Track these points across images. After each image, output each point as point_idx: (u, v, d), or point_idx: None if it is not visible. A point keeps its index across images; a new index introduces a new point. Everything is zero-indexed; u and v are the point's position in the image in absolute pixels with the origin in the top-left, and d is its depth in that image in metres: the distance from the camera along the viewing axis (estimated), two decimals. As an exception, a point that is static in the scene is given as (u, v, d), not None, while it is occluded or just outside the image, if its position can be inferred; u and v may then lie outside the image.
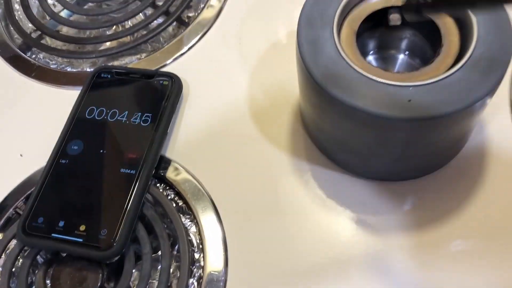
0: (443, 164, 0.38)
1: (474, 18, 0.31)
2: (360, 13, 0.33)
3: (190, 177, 0.40)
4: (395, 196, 0.37)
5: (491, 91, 0.29)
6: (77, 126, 0.41)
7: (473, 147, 0.38)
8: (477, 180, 0.37)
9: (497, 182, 0.37)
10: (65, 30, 0.51)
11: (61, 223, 0.36)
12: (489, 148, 0.39)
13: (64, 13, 0.51)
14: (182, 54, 0.47)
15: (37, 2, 0.52)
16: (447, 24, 0.32)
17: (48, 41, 0.50)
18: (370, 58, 0.39)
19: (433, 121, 0.29)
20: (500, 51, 0.29)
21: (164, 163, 0.40)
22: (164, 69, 0.46)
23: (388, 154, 0.34)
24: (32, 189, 0.39)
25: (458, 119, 0.30)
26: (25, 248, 0.37)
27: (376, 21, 0.34)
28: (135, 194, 0.37)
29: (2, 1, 0.52)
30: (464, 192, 0.37)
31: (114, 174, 0.38)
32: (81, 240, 0.35)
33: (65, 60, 0.49)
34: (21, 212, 0.40)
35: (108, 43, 0.50)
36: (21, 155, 0.43)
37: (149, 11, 0.50)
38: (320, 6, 0.33)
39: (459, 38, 0.32)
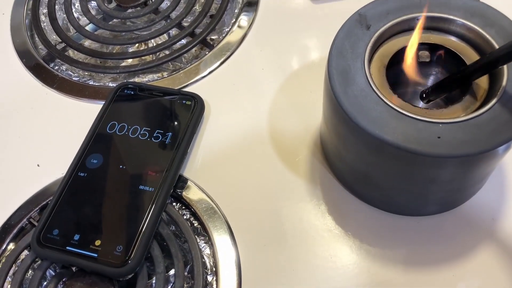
0: (461, 202, 0.38)
1: (504, 61, 0.31)
2: (390, 47, 0.34)
3: (206, 198, 0.40)
4: (413, 231, 0.37)
5: (520, 133, 0.29)
6: (98, 139, 0.41)
7: (491, 188, 0.39)
8: (494, 220, 0.37)
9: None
10: (87, 43, 0.51)
11: (77, 237, 0.36)
12: (507, 190, 0.39)
13: (89, 27, 0.52)
14: (204, 76, 0.47)
15: (63, 14, 0.53)
16: (477, 66, 0.33)
17: (71, 53, 0.51)
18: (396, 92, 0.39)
19: (460, 159, 0.29)
20: (530, 94, 0.30)
21: (182, 182, 0.40)
22: (185, 89, 0.46)
23: (411, 189, 0.34)
24: (48, 200, 0.39)
25: (482, 159, 0.30)
26: (37, 259, 0.37)
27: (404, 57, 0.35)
28: (152, 212, 0.37)
29: (30, 12, 0.53)
30: (478, 232, 0.37)
31: (133, 191, 0.38)
32: (95, 255, 0.35)
33: (87, 73, 0.49)
34: (34, 223, 0.40)
35: (130, 60, 0.50)
36: (38, 165, 0.43)
37: (173, 31, 0.51)
38: (351, 38, 0.33)
39: (488, 78, 0.32)
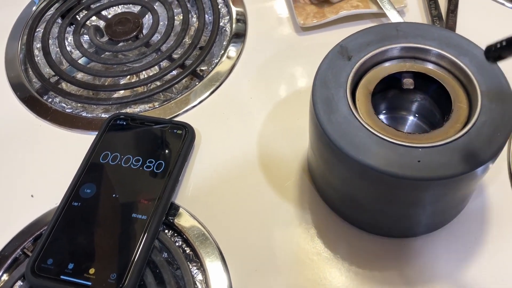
0: (445, 223, 0.39)
1: (478, 87, 0.33)
2: (376, 75, 0.36)
3: (198, 225, 0.40)
4: (398, 252, 0.38)
5: (494, 157, 0.31)
6: (91, 169, 0.42)
7: (474, 207, 0.40)
8: (477, 239, 0.39)
9: (496, 242, 0.38)
10: (80, 76, 0.53)
11: (71, 266, 0.36)
12: (489, 209, 0.40)
13: (82, 61, 0.53)
14: (194, 106, 0.49)
15: (56, 48, 0.55)
16: (457, 92, 0.35)
17: (64, 86, 0.52)
18: (382, 117, 0.41)
19: (440, 181, 0.30)
20: (502, 119, 0.31)
21: (174, 209, 0.41)
22: (176, 119, 0.48)
23: (396, 211, 0.35)
24: (42, 230, 0.40)
25: (462, 181, 0.32)
26: (31, 289, 0.37)
27: (390, 83, 0.37)
28: (145, 239, 0.37)
29: (24, 46, 0.55)
30: (464, 251, 0.38)
31: (126, 219, 0.39)
32: (89, 283, 0.35)
33: (80, 105, 0.50)
34: (28, 253, 0.40)
35: (122, 91, 0.52)
36: (32, 196, 0.44)
37: (164, 63, 0.52)
38: (334, 69, 0.35)
39: (467, 105, 0.34)
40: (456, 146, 0.31)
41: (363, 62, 0.35)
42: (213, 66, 0.52)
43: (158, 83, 0.51)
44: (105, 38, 0.55)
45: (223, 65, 0.51)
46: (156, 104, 0.50)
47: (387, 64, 0.36)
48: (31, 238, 0.41)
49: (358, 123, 0.32)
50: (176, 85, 0.51)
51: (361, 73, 0.36)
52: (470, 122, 0.32)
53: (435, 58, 0.35)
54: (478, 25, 0.52)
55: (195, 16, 0.57)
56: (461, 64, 0.34)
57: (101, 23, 0.57)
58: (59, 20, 0.57)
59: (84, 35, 0.56)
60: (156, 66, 0.52)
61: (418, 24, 0.37)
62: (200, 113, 0.48)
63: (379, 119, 0.33)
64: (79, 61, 0.53)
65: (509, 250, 0.38)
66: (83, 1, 0.59)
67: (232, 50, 0.53)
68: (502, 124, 0.31)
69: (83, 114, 0.49)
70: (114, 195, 0.40)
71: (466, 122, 0.33)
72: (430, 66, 0.36)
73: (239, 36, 0.54)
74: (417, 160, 0.30)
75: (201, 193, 0.43)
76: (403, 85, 0.36)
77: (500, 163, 0.42)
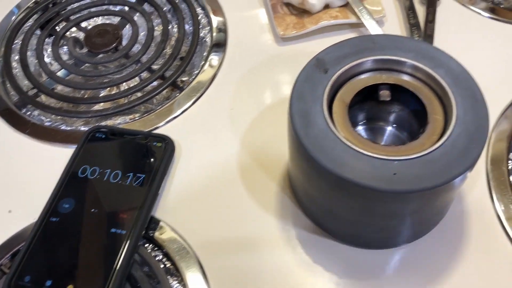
0: (425, 233, 0.39)
1: (453, 99, 0.33)
2: (353, 87, 0.36)
3: (178, 238, 0.40)
4: (377, 263, 0.38)
5: (469, 168, 0.31)
6: (70, 184, 0.41)
7: (453, 216, 0.40)
8: (457, 248, 0.39)
9: (475, 251, 0.39)
10: (59, 88, 0.52)
11: (49, 282, 0.36)
12: (468, 217, 0.40)
13: (61, 73, 0.53)
14: (175, 117, 0.48)
15: (35, 60, 0.54)
16: (432, 103, 0.35)
17: (43, 98, 0.52)
18: (360, 128, 0.41)
19: (416, 194, 0.30)
20: (477, 131, 0.32)
21: (154, 223, 0.41)
22: (157, 131, 0.47)
23: (374, 223, 0.35)
24: (20, 247, 0.39)
25: (439, 192, 0.32)
26: (8, 307, 0.37)
27: (367, 95, 0.37)
28: (124, 254, 0.37)
29: (1, 59, 0.54)
30: (444, 260, 0.38)
31: (105, 234, 0.38)
32: (68, 300, 0.35)
33: (59, 117, 0.50)
34: (5, 270, 0.39)
35: (102, 103, 0.51)
36: (9, 211, 0.43)
37: (145, 74, 0.52)
38: (310, 82, 0.35)
39: (443, 116, 0.34)
40: (431, 158, 0.31)
41: (340, 75, 0.35)
42: (193, 77, 0.51)
43: (139, 94, 0.51)
44: (85, 50, 0.54)
45: (204, 76, 0.51)
46: (137, 115, 0.50)
47: (363, 76, 0.36)
48: (8, 255, 0.40)
49: (334, 136, 0.32)
50: (156, 96, 0.51)
51: (337, 86, 0.36)
52: (446, 134, 0.32)
53: (411, 70, 0.36)
54: (456, 34, 0.52)
55: (175, 26, 0.57)
56: (437, 76, 0.34)
57: (81, 35, 0.56)
58: (38, 32, 0.57)
59: (64, 47, 0.56)
60: (137, 77, 0.52)
61: (394, 36, 0.37)
62: (181, 125, 0.48)
63: (356, 131, 0.34)
64: (58, 73, 0.52)
65: (488, 259, 0.38)
66: (63, 12, 0.58)
67: (212, 60, 0.53)
68: (476, 135, 0.32)
69: (62, 127, 0.49)
70: (93, 210, 0.40)
71: (442, 133, 0.33)
72: (406, 78, 0.36)
73: (220, 46, 0.54)
74: (393, 173, 0.30)
75: (182, 206, 0.43)
76: (380, 97, 0.36)
77: (478, 171, 0.43)
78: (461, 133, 0.32)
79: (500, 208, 0.40)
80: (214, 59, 0.53)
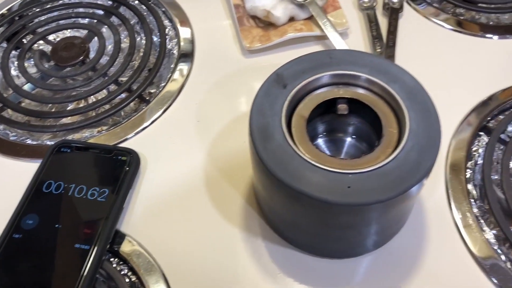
0: (386, 241, 0.40)
1: (407, 113, 0.34)
2: (311, 101, 0.37)
3: (143, 252, 0.40)
4: (341, 273, 0.39)
5: (421, 180, 0.32)
6: (34, 200, 0.41)
7: (414, 224, 0.41)
8: (417, 255, 0.40)
9: (434, 257, 0.40)
10: (26, 101, 0.52)
11: (11, 300, 0.36)
12: (428, 225, 0.41)
13: (27, 86, 0.53)
14: (142, 129, 0.49)
15: (0, 73, 0.54)
16: (387, 117, 0.36)
17: (9, 112, 0.51)
18: (320, 140, 0.42)
19: (369, 206, 0.31)
20: (429, 144, 0.33)
21: (119, 237, 0.41)
22: (124, 144, 0.48)
23: (332, 234, 0.36)
24: (-18, 264, 0.39)
25: (393, 204, 0.33)
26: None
27: (327, 108, 0.38)
28: (88, 270, 0.37)
29: (-34, 73, 0.54)
30: (406, 267, 0.39)
31: (68, 250, 0.38)
32: (30, 318, 0.35)
33: (25, 131, 0.50)
34: (-32, 288, 0.39)
35: (69, 117, 0.51)
36: (-28, 228, 0.43)
37: (113, 86, 0.52)
38: (270, 97, 0.36)
39: (398, 129, 0.35)
40: (384, 171, 0.32)
41: (298, 90, 0.36)
42: (160, 89, 0.52)
43: (107, 106, 0.51)
44: (52, 63, 0.54)
45: (171, 87, 0.52)
46: (105, 128, 0.50)
47: (321, 90, 0.37)
48: (-29, 273, 0.40)
49: (292, 150, 0.33)
50: (124, 109, 0.51)
51: (296, 100, 0.37)
52: (399, 147, 0.33)
53: (366, 84, 0.37)
54: (418, 45, 0.54)
55: (143, 38, 0.57)
56: (391, 90, 0.35)
57: (48, 48, 0.56)
58: (4, 44, 0.56)
59: (31, 60, 0.56)
60: (104, 90, 0.52)
61: (351, 51, 0.38)
62: (148, 137, 0.48)
63: (314, 145, 0.34)
64: (25, 87, 0.52)
65: (447, 266, 0.39)
66: (29, 25, 0.58)
67: (180, 72, 0.53)
68: (428, 148, 0.33)
69: (27, 142, 0.48)
70: (57, 226, 0.40)
71: (396, 146, 0.34)
72: (362, 91, 0.37)
73: (187, 58, 0.54)
74: (347, 186, 0.31)
75: (147, 220, 0.43)
76: (338, 111, 0.37)
77: (438, 179, 0.44)
78: (414, 146, 0.33)
79: (458, 216, 0.41)
80: (181, 70, 0.53)
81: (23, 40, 0.57)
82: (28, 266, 0.38)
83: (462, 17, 0.57)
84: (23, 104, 0.52)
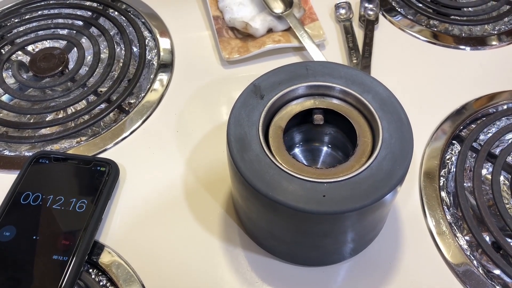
0: (363, 248, 0.41)
1: (380, 123, 0.35)
2: (288, 112, 0.38)
3: (122, 263, 0.41)
4: (320, 280, 0.40)
5: (395, 187, 0.33)
6: (11, 211, 0.41)
7: (390, 230, 0.42)
8: (393, 262, 0.41)
9: (409, 263, 0.41)
10: (4, 112, 0.52)
11: (-13, 313, 0.35)
12: (403, 231, 0.42)
13: (5, 97, 0.52)
14: (121, 140, 0.49)
15: (-22, 85, 0.53)
16: (362, 127, 0.37)
17: (-13, 123, 0.51)
18: (298, 150, 0.43)
19: (344, 215, 0.32)
20: (401, 153, 0.34)
21: (98, 248, 0.41)
22: (104, 154, 0.48)
23: (309, 243, 0.37)
24: (-42, 277, 0.38)
25: (367, 212, 0.33)
26: None
27: (303, 118, 0.39)
28: (66, 281, 0.37)
29: None
30: (381, 273, 0.40)
31: (46, 261, 0.38)
32: (6, 331, 0.35)
33: (3, 143, 0.49)
34: None
35: (48, 128, 0.51)
36: (-52, 241, 0.42)
37: (92, 97, 0.52)
38: (247, 108, 0.36)
39: (371, 139, 0.36)
40: (358, 180, 0.33)
41: (275, 101, 0.37)
42: (140, 99, 0.52)
43: (86, 117, 0.51)
44: (30, 74, 0.54)
45: (151, 98, 0.52)
46: (84, 139, 0.50)
47: (298, 101, 0.38)
48: None
49: (269, 160, 0.34)
50: (104, 119, 0.51)
51: (273, 111, 0.37)
52: (372, 156, 0.34)
53: (341, 95, 0.38)
54: (393, 56, 0.55)
55: (123, 49, 0.57)
56: (364, 101, 0.36)
57: (27, 58, 0.56)
58: (-18, 55, 0.56)
59: (9, 70, 0.55)
60: (84, 101, 0.52)
61: (327, 62, 0.39)
62: (126, 148, 0.48)
63: (290, 155, 0.35)
64: (2, 98, 0.52)
65: (421, 272, 0.40)
66: (8, 35, 0.58)
67: (159, 83, 0.53)
68: (401, 157, 0.34)
69: (5, 153, 0.48)
70: (34, 237, 0.40)
71: (370, 155, 0.35)
72: (337, 102, 0.38)
73: (167, 69, 0.55)
74: (322, 195, 0.32)
75: (126, 231, 0.43)
76: (314, 121, 0.38)
77: (412, 186, 0.45)
78: (387, 155, 0.34)
79: (432, 223, 0.42)
80: (161, 81, 0.54)
81: (1, 50, 0.56)
82: (6, 278, 0.38)
83: (436, 29, 0.59)
84: (0, 115, 0.52)
